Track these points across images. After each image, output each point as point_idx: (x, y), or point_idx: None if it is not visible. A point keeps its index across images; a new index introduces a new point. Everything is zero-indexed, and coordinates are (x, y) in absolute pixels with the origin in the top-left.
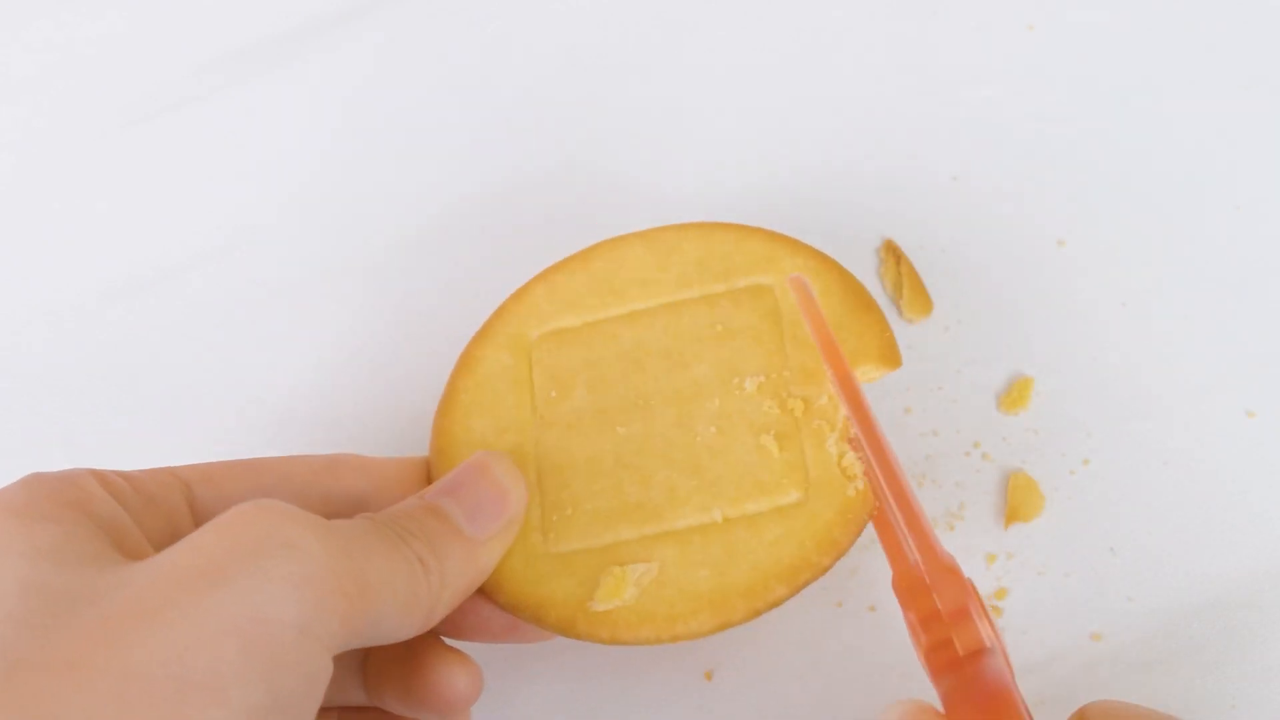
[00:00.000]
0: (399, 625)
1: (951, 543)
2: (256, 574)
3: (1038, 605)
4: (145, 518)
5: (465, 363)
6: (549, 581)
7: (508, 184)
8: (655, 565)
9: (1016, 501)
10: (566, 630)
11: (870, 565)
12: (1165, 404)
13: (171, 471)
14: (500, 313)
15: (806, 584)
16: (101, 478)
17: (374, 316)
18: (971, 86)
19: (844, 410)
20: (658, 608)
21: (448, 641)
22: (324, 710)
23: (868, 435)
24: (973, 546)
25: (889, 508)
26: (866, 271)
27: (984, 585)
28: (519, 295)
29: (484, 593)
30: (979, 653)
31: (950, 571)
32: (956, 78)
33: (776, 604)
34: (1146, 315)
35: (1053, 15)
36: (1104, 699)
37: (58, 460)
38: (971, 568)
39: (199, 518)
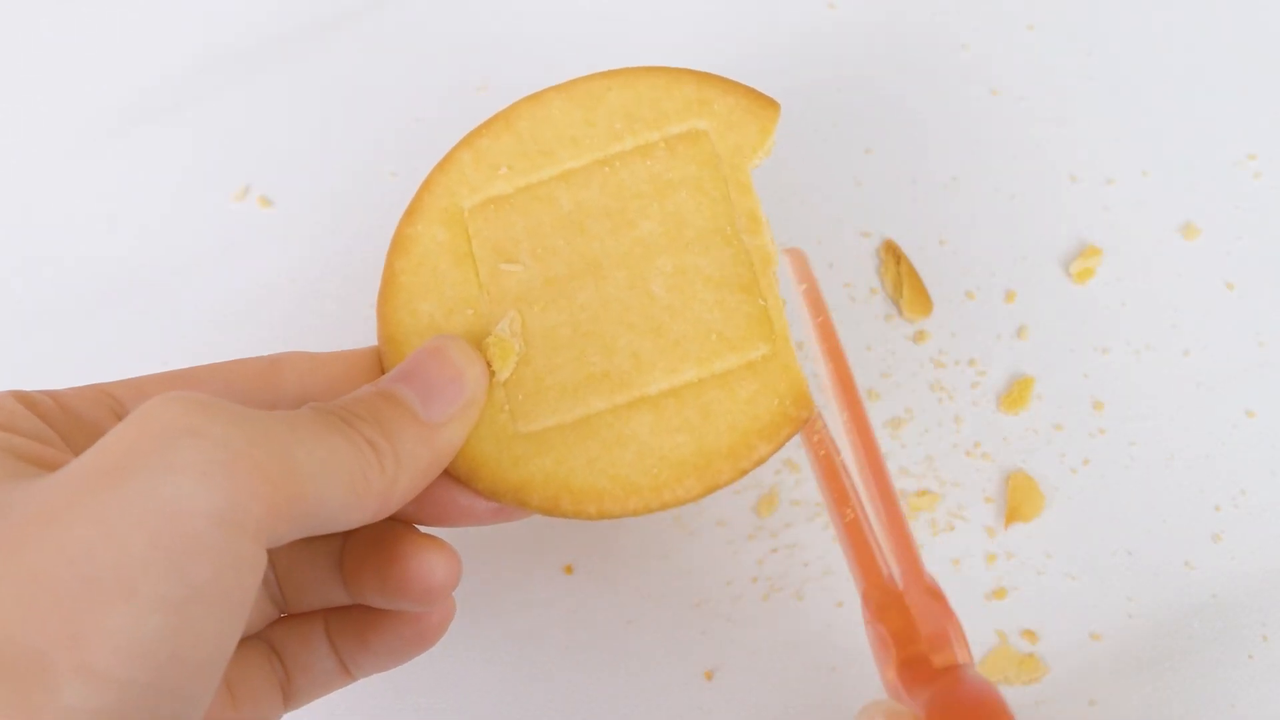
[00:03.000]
0: (348, 509)
1: (952, 542)
2: (160, 465)
3: (1038, 605)
4: (73, 435)
5: (399, 243)
6: (526, 463)
7: None
8: (515, 314)
9: (1016, 501)
10: (552, 510)
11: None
12: (1165, 404)
13: (100, 388)
14: (427, 185)
15: (788, 438)
16: (25, 398)
17: (375, 315)
18: (971, 86)
19: (840, 414)
20: (642, 478)
21: (424, 530)
22: (309, 615)
23: (863, 438)
24: (973, 546)
25: (869, 517)
26: (866, 271)
27: (984, 585)
28: (444, 165)
29: (461, 480)
30: (955, 666)
31: (934, 595)
32: (956, 78)
33: (761, 461)
34: (1146, 315)
35: (1053, 15)
36: None
37: None
38: (971, 568)
39: None
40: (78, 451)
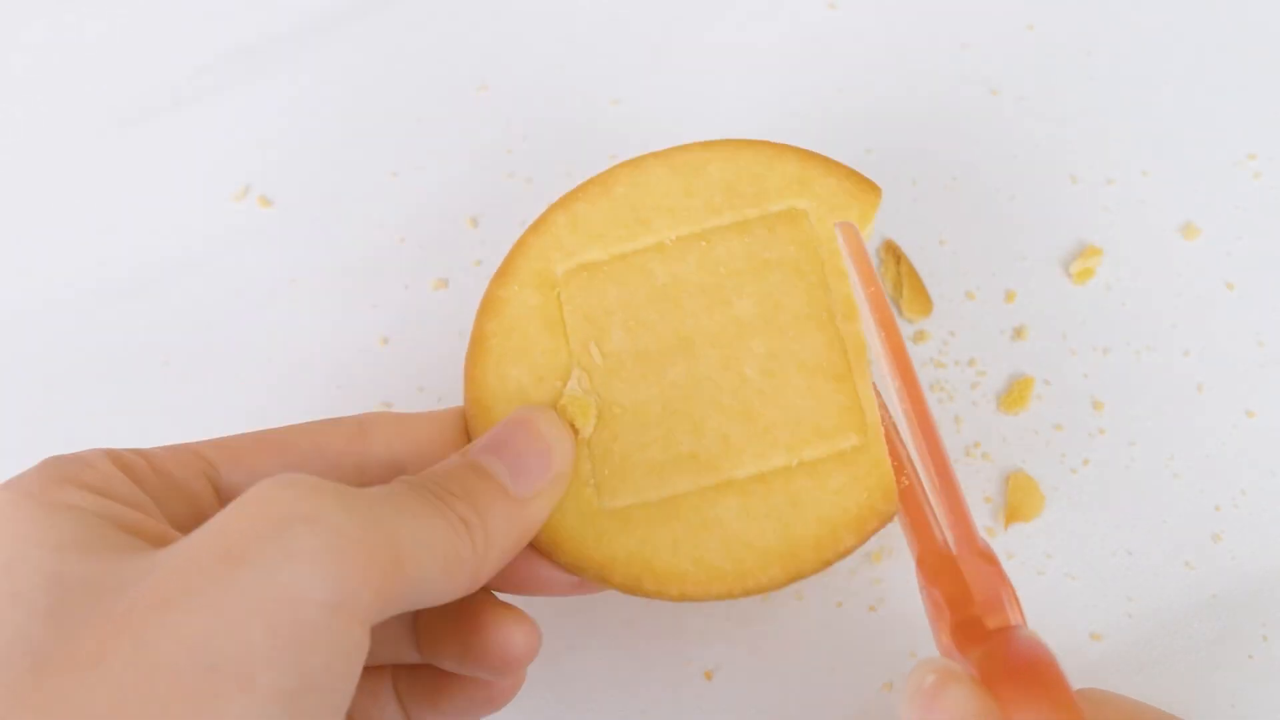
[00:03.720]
0: (442, 588)
1: None
2: (278, 552)
3: (1038, 605)
4: (166, 499)
5: (490, 305)
6: (610, 541)
7: (510, 183)
8: (580, 371)
9: (1016, 501)
10: (634, 589)
11: (870, 566)
12: (1165, 404)
13: (191, 449)
14: (520, 246)
15: (874, 532)
16: (117, 458)
17: (375, 316)
18: (971, 86)
19: (890, 380)
20: (726, 564)
21: (502, 597)
22: (378, 669)
23: (916, 407)
24: None
25: (923, 483)
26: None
27: None
28: (538, 227)
29: (544, 553)
30: (1007, 626)
31: (987, 559)
32: (956, 78)
33: (846, 554)
34: (1146, 315)
35: (1053, 15)
36: (1091, 687)
37: None
38: None
39: (224, 496)
40: (173, 518)
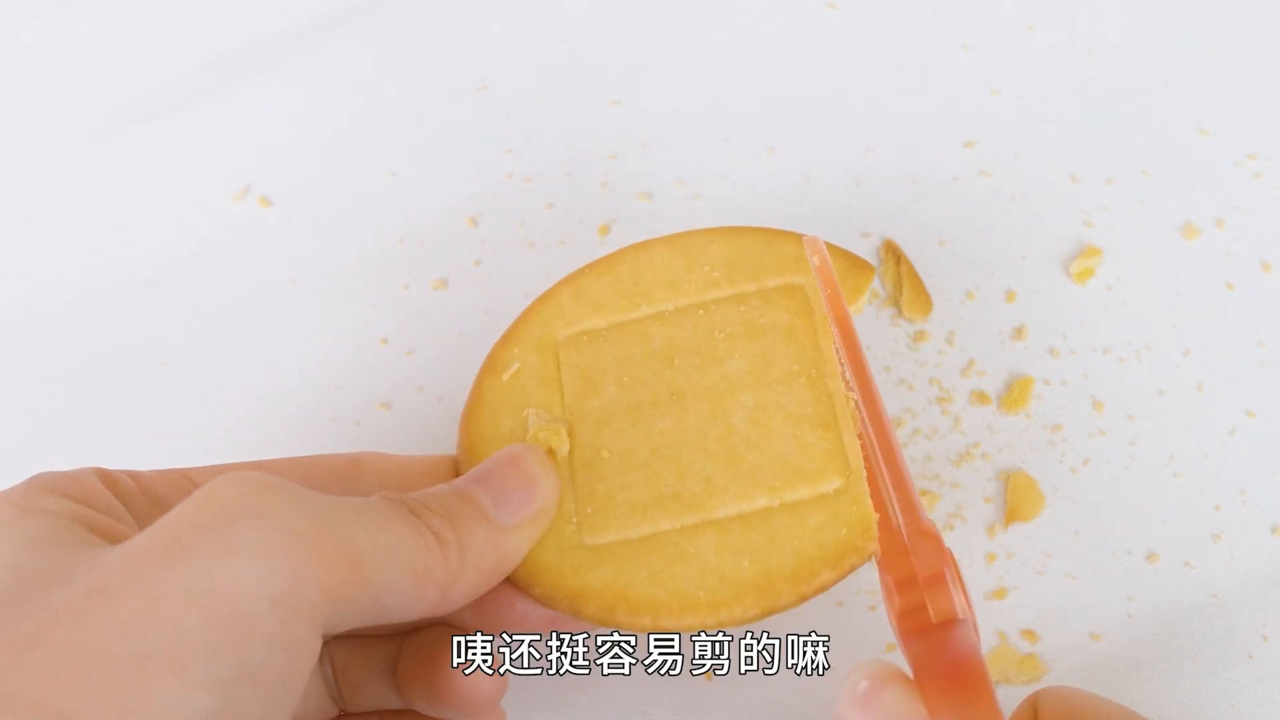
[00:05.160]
0: (410, 599)
1: (952, 542)
2: (220, 545)
3: (1038, 605)
4: (150, 518)
5: (491, 364)
6: (586, 572)
7: (510, 183)
8: (536, 408)
9: (1016, 501)
10: (606, 619)
11: (870, 567)
12: (1165, 404)
13: (182, 473)
14: (526, 316)
15: (853, 569)
16: (107, 476)
17: (375, 317)
18: (971, 86)
19: (841, 365)
20: (701, 595)
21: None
22: (364, 715)
23: (864, 392)
24: (973, 546)
25: (877, 468)
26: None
27: (984, 585)
28: (544, 299)
29: (520, 586)
30: (950, 622)
31: (929, 536)
32: (956, 78)
33: (823, 589)
34: (1146, 315)
35: (1053, 15)
36: (1059, 685)
37: (59, 462)
38: (971, 568)
39: None
40: None
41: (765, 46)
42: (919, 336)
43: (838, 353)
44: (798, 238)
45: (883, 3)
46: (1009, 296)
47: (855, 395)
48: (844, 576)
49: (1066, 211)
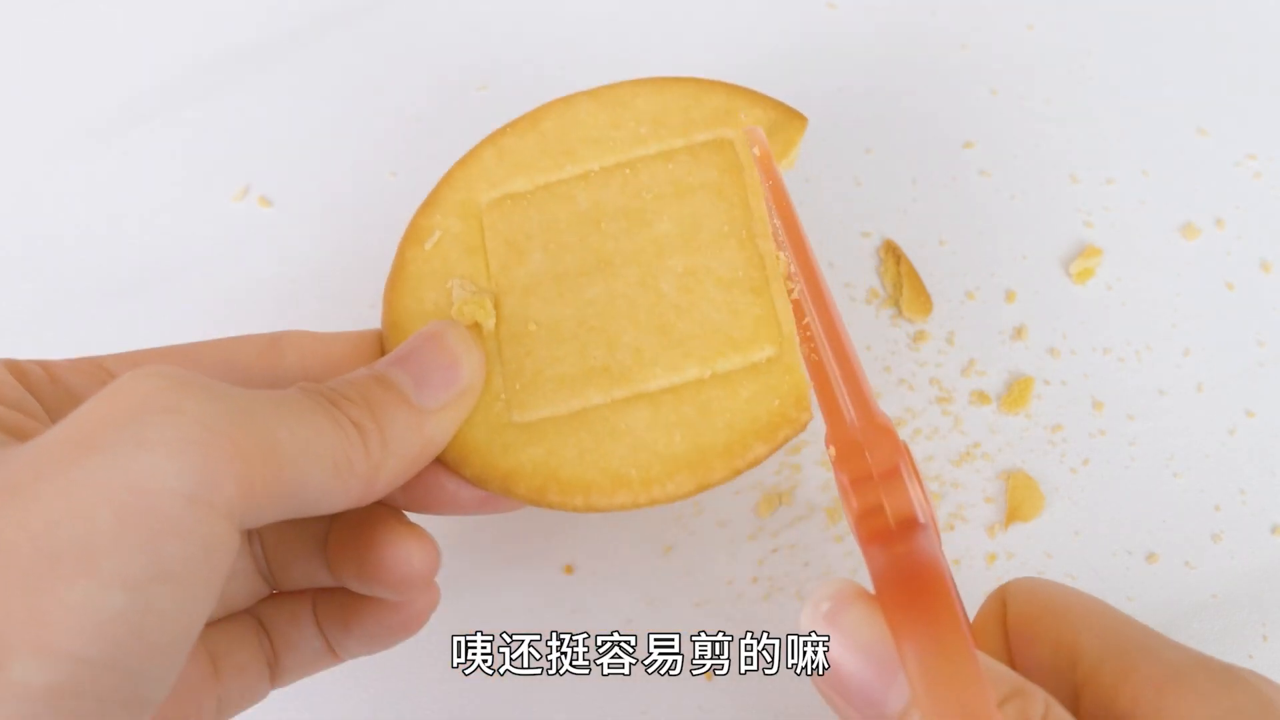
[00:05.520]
0: (331, 492)
1: (952, 543)
2: (132, 440)
3: None
4: (61, 408)
5: (413, 232)
6: (516, 451)
7: None
8: (460, 279)
9: (1016, 501)
10: (538, 500)
11: None
12: (1165, 404)
13: (95, 361)
14: (448, 179)
15: (786, 440)
16: (15, 367)
17: (376, 317)
18: (971, 86)
19: (788, 263)
20: (633, 472)
21: (410, 518)
22: (299, 594)
23: (810, 286)
24: (973, 546)
25: (827, 363)
26: (866, 271)
27: (984, 585)
28: (466, 160)
29: (450, 467)
30: (910, 526)
31: (884, 430)
32: (956, 78)
33: (757, 462)
34: (1146, 315)
35: (1053, 15)
36: (1028, 577)
37: None
38: (972, 568)
39: None
40: None
41: (765, 46)
42: (919, 336)
43: (771, 218)
44: (727, 88)
45: (883, 2)
46: (1009, 296)
47: (791, 264)
48: (778, 449)
49: (1066, 211)
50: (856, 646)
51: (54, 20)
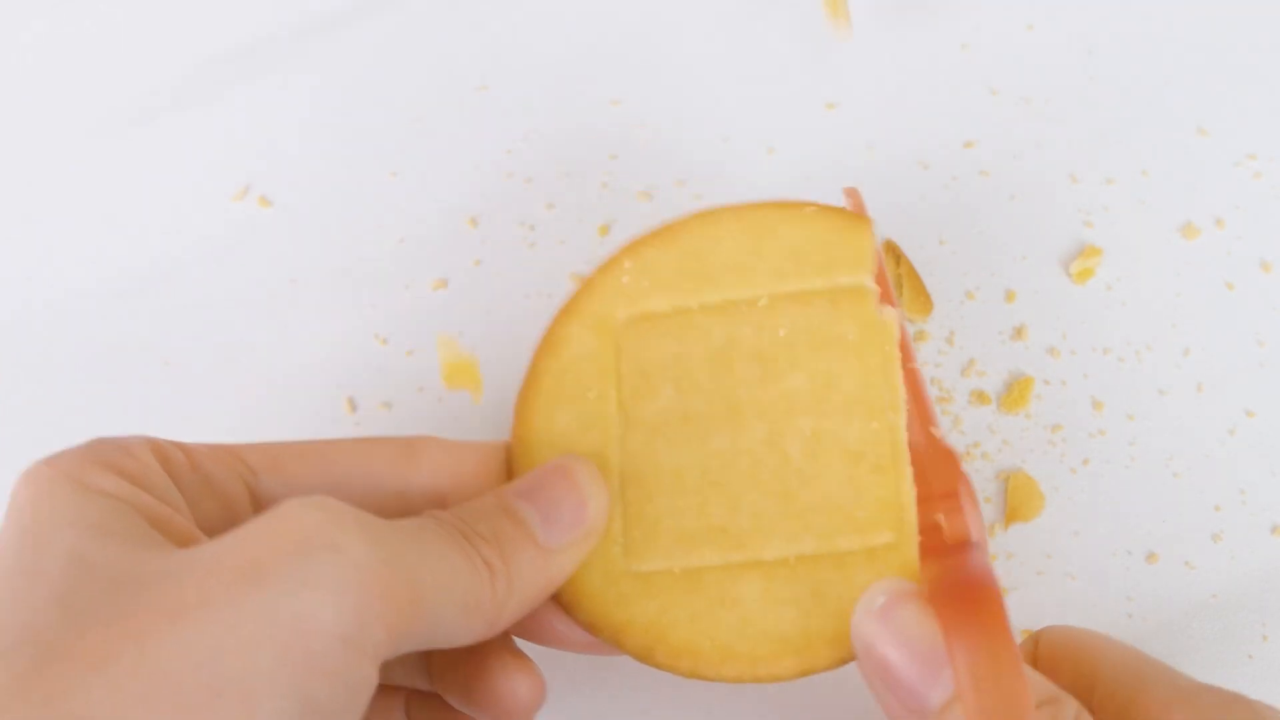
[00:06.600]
0: (458, 630)
1: None
2: (298, 578)
3: (1038, 605)
4: (201, 499)
5: (550, 343)
6: (630, 605)
7: (510, 183)
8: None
9: (1016, 501)
10: (644, 658)
11: None
12: (1165, 404)
13: (233, 451)
14: (587, 287)
15: None
16: (159, 450)
17: (375, 317)
18: (971, 86)
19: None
20: (741, 646)
21: (519, 643)
22: (393, 689)
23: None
24: None
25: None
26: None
27: None
28: (606, 268)
29: (563, 607)
30: (964, 544)
31: (947, 454)
32: (956, 78)
33: None
34: (1146, 315)
35: (1053, 15)
36: (1061, 625)
37: None
38: None
39: (259, 503)
40: (204, 518)
41: (765, 46)
42: (919, 336)
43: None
44: (868, 224)
45: (883, 2)
46: (1009, 296)
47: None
48: None
49: (1066, 211)
50: (906, 641)
51: (54, 21)
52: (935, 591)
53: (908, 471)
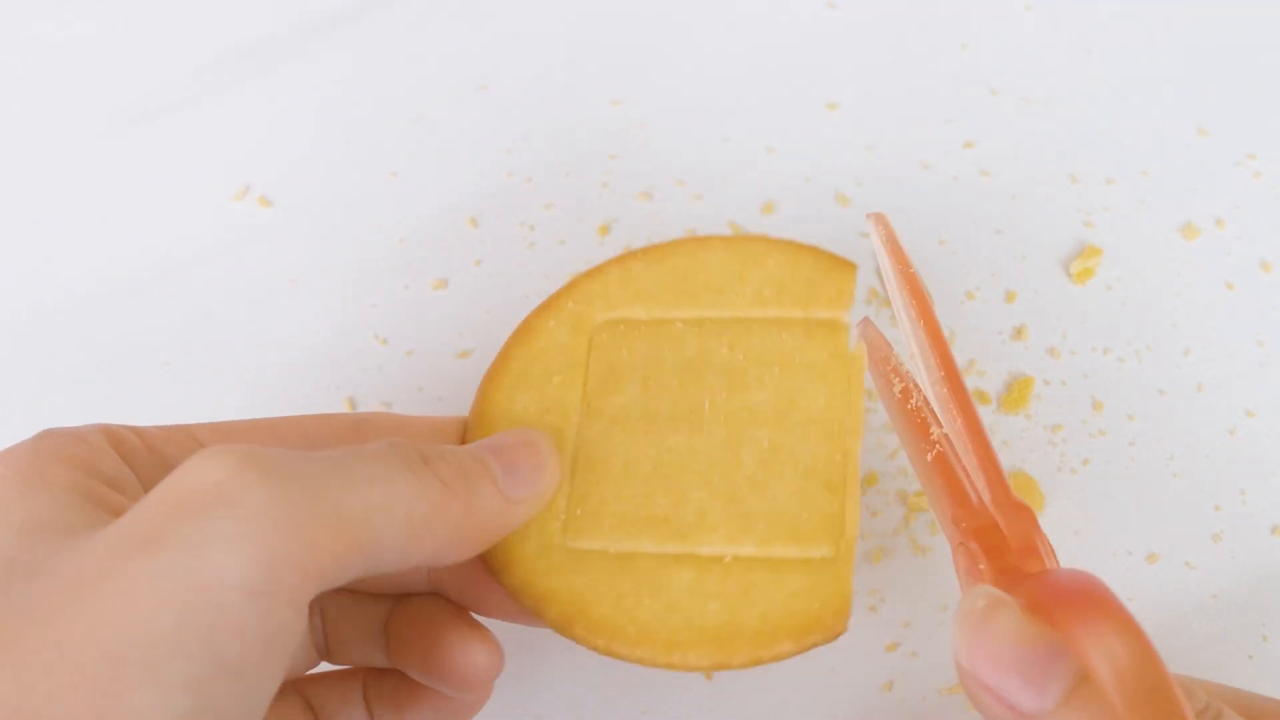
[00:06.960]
0: (409, 550)
1: None
2: (194, 538)
3: None
4: (156, 478)
5: (524, 331)
6: (557, 576)
7: (510, 183)
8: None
9: None
10: (563, 629)
11: (870, 568)
12: (1165, 404)
13: (186, 430)
14: (569, 287)
15: (813, 646)
16: (113, 435)
17: (376, 316)
18: (971, 86)
19: (918, 344)
20: (659, 631)
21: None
22: (350, 672)
23: (947, 369)
24: None
25: (958, 445)
26: (866, 271)
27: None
28: (592, 274)
29: (492, 570)
30: (1049, 569)
31: (1021, 509)
32: (956, 78)
33: (779, 659)
34: (1146, 315)
35: (1052, 15)
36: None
37: None
38: None
39: None
40: None
41: (765, 46)
42: None
43: (915, 335)
44: (853, 269)
45: (883, 2)
46: (1009, 296)
47: (929, 361)
48: (803, 651)
49: (1066, 211)
50: (1017, 642)
51: (54, 21)
52: (1036, 604)
53: (855, 493)
